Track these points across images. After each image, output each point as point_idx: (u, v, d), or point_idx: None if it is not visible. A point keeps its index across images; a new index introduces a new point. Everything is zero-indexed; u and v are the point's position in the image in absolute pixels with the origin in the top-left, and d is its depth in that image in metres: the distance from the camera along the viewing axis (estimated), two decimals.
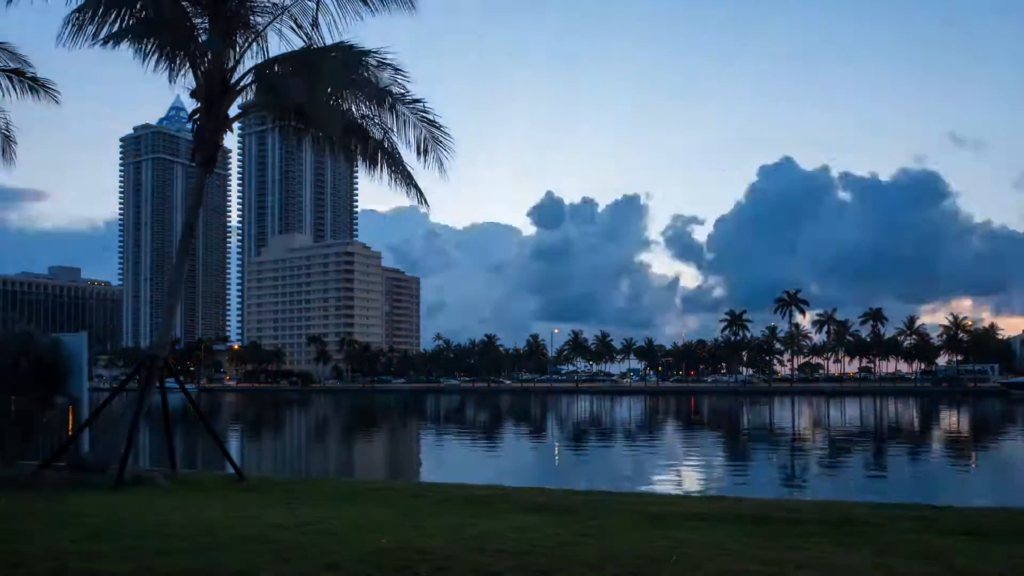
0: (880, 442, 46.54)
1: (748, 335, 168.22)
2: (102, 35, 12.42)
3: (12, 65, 14.72)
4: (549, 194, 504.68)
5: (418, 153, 13.88)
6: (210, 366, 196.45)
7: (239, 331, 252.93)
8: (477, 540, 7.59)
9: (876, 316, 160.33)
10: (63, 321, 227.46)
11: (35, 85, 14.94)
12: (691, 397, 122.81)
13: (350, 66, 13.12)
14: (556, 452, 41.79)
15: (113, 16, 12.39)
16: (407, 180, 14.45)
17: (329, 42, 13.47)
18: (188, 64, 13.51)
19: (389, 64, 13.13)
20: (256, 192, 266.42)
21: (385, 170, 14.29)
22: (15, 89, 14.88)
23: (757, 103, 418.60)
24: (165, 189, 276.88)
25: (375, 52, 13.07)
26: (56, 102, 15.17)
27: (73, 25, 12.34)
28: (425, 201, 14.76)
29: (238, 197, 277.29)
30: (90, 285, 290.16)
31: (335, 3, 13.37)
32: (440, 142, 13.87)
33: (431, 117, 13.78)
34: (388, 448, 46.25)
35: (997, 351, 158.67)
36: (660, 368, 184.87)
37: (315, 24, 13.57)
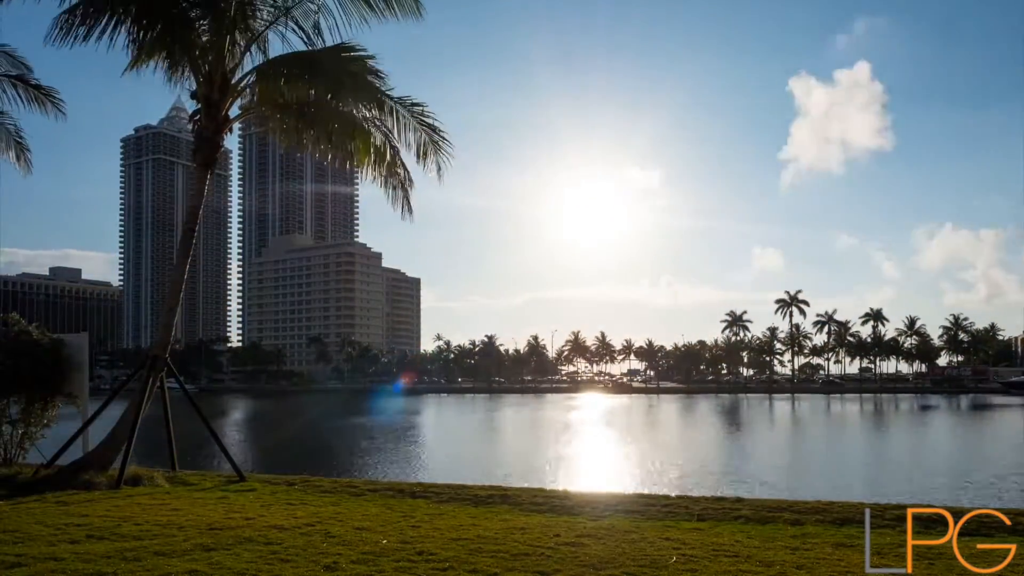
0: None
1: (748, 335, 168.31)
2: (94, 37, 12.41)
3: (13, 71, 14.68)
4: None
5: (418, 157, 13.89)
6: (211, 367, 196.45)
7: (240, 332, 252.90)
8: (477, 541, 7.59)
9: (876, 316, 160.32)
10: (63, 322, 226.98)
11: (40, 95, 14.89)
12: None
13: (351, 69, 13.09)
14: None
15: (105, 20, 12.38)
16: (400, 187, 14.43)
17: (330, 42, 13.45)
18: (188, 66, 13.50)
19: (374, 70, 13.07)
20: (256, 192, 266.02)
21: (381, 174, 14.27)
22: (21, 98, 14.84)
23: None
24: (165, 190, 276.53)
25: (365, 58, 13.00)
26: (62, 112, 15.12)
27: (61, 27, 12.30)
28: (411, 213, 14.65)
29: (238, 197, 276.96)
30: (90, 286, 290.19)
31: (338, 7, 13.39)
32: (440, 147, 13.88)
33: (431, 122, 13.79)
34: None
35: (997, 351, 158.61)
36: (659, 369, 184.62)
37: (317, 28, 13.57)
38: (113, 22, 12.38)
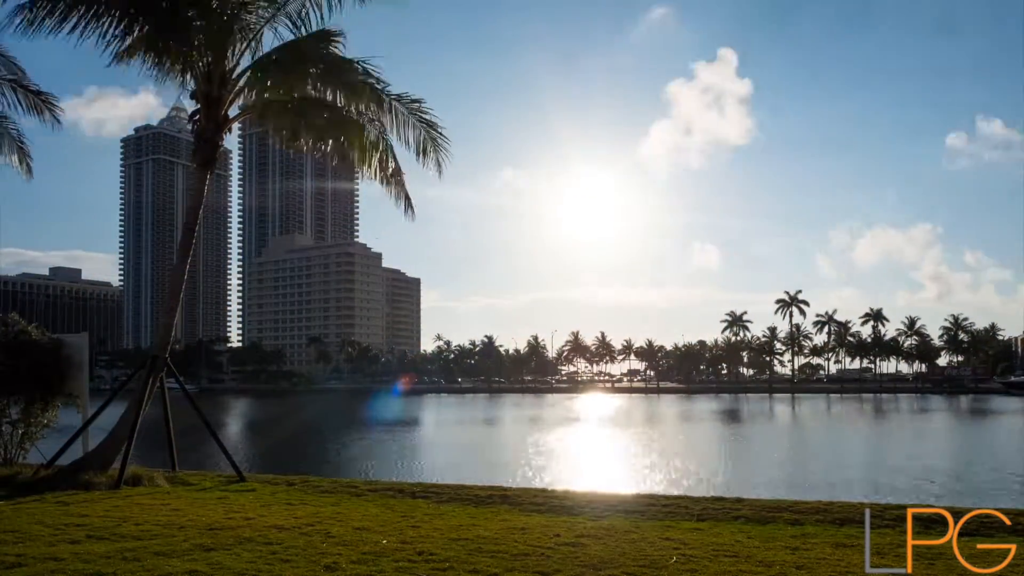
0: None
1: (748, 335, 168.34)
2: (77, 31, 12.33)
3: (10, 76, 14.64)
4: None
5: (417, 154, 13.87)
6: (211, 367, 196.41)
7: (240, 332, 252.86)
8: (477, 541, 7.58)
9: (877, 316, 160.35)
10: (63, 322, 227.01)
11: (38, 101, 14.84)
12: None
13: (341, 65, 13.08)
14: None
15: (109, 18, 12.32)
16: (398, 185, 14.46)
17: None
18: (187, 66, 13.48)
19: (371, 73, 13.09)
20: (256, 192, 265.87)
21: (379, 170, 14.29)
22: (20, 104, 14.82)
23: None
24: (165, 190, 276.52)
25: (360, 61, 13.02)
26: (58, 121, 15.06)
27: (24, 19, 12.16)
28: (412, 209, 14.70)
29: (238, 197, 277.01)
30: (90, 286, 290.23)
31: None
32: (438, 144, 13.87)
33: (429, 118, 13.78)
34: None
35: (997, 351, 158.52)
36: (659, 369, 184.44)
37: (303, 21, 13.56)
38: (87, 17, 12.20)
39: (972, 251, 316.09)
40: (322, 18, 13.38)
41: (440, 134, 13.82)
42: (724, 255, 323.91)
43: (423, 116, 13.69)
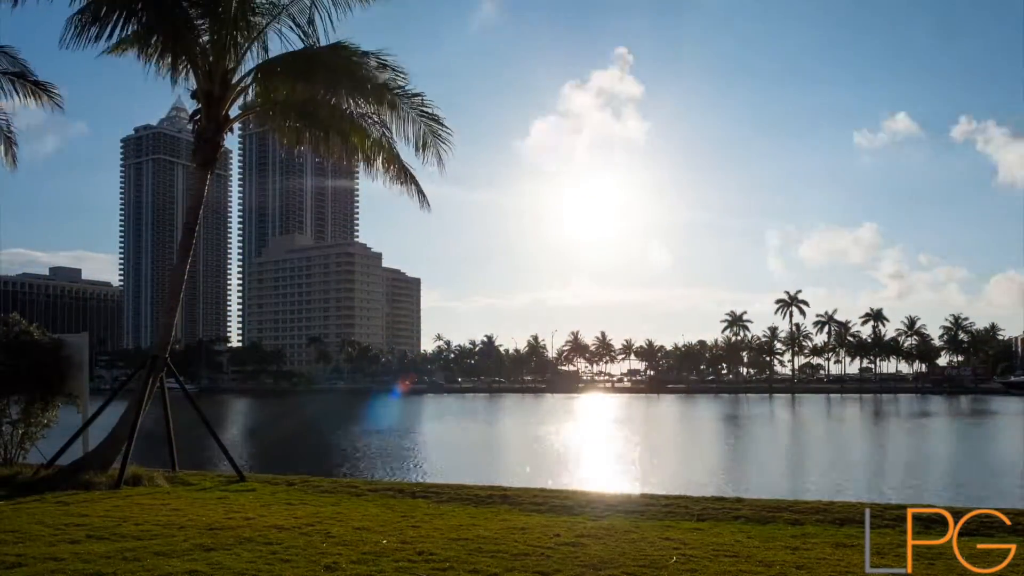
0: None
1: (749, 335, 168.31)
2: (104, 37, 12.40)
3: (13, 69, 14.66)
4: None
5: (416, 148, 13.85)
6: (211, 366, 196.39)
7: (240, 332, 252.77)
8: (477, 541, 7.59)
9: (877, 316, 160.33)
10: (63, 322, 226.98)
11: (37, 89, 14.86)
12: None
13: (350, 66, 13.11)
14: None
15: (115, 18, 12.34)
16: (407, 179, 14.46)
17: (324, 38, 13.50)
18: (189, 65, 13.49)
19: (389, 65, 13.16)
20: (256, 192, 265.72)
21: (383, 169, 14.30)
22: (17, 92, 14.83)
23: None
24: (165, 190, 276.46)
25: (375, 53, 13.08)
26: (60, 107, 15.11)
27: (75, 27, 12.29)
28: (426, 202, 14.74)
29: (238, 197, 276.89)
30: (90, 286, 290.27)
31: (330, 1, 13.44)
32: (439, 136, 13.86)
33: (431, 112, 13.77)
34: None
35: (997, 351, 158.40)
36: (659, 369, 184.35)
37: (311, 22, 13.58)
38: (122, 21, 12.32)
39: (924, 252, 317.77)
40: (330, 21, 13.40)
41: (443, 127, 13.81)
42: (673, 255, 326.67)
43: (425, 110, 13.68)
